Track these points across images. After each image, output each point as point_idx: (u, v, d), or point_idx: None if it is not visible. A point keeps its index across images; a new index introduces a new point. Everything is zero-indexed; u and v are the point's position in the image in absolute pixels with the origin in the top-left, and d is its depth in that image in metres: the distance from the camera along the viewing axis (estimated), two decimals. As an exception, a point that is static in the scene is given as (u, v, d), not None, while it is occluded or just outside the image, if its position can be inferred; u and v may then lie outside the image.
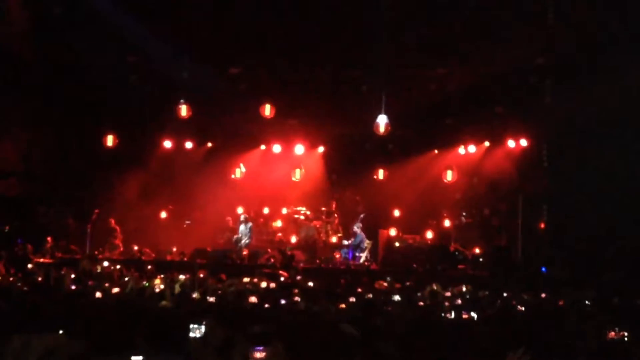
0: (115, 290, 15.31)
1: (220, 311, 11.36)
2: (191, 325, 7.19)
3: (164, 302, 12.90)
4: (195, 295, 14.43)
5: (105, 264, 22.24)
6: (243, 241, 27.76)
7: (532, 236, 25.96)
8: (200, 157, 30.39)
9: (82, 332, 7.75)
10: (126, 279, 18.56)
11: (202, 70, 25.93)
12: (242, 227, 28.06)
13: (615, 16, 21.17)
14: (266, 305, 12.87)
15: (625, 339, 7.72)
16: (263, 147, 30.64)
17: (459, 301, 14.80)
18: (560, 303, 15.34)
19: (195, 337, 7.16)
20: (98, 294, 13.95)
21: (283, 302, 13.43)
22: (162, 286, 15.90)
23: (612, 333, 7.80)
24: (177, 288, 15.77)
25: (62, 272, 19.45)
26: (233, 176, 29.61)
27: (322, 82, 26.62)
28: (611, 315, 10.78)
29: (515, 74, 24.54)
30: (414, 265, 25.32)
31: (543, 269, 24.12)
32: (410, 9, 22.89)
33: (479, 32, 23.08)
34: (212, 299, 13.57)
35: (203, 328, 7.18)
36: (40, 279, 17.78)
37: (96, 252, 26.10)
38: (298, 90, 26.78)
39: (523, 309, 14.58)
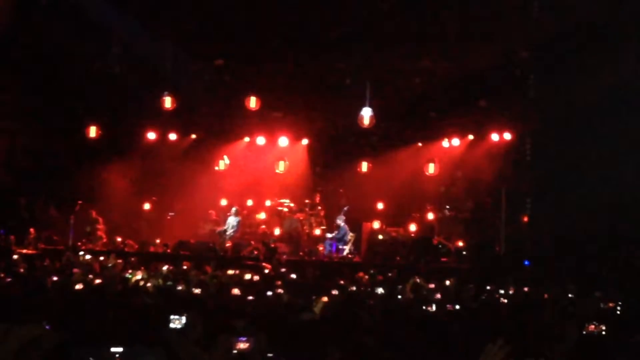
0: (98, 281, 15.30)
1: (203, 303, 11.35)
2: (171, 317, 7.19)
3: (146, 294, 12.89)
4: (179, 287, 14.43)
5: (88, 256, 22.18)
6: (228, 233, 27.72)
7: (515, 230, 26.03)
8: (184, 149, 30.37)
9: (63, 323, 7.74)
10: (109, 264, 18.59)
11: (187, 61, 25.92)
12: (231, 219, 28.02)
13: (598, 10, 21.22)
14: (250, 298, 12.85)
15: (604, 332, 7.76)
16: (247, 139, 30.65)
17: (439, 295, 14.81)
18: (543, 296, 15.41)
19: (175, 329, 7.16)
20: (79, 286, 13.91)
21: (267, 294, 13.44)
22: (140, 277, 15.93)
23: (592, 326, 7.84)
24: (159, 280, 15.77)
25: (45, 263, 19.44)
26: (217, 168, 29.59)
27: (306, 74, 26.63)
28: (592, 308, 10.87)
29: (499, 68, 24.56)
30: (398, 258, 25.38)
31: (526, 263, 24.22)
32: (394, 2, 22.88)
33: (463, 25, 23.09)
34: (197, 291, 13.57)
35: (184, 320, 7.18)
36: (22, 270, 17.74)
37: (79, 244, 26.08)
38: (282, 82, 26.78)
39: (505, 301, 14.64)
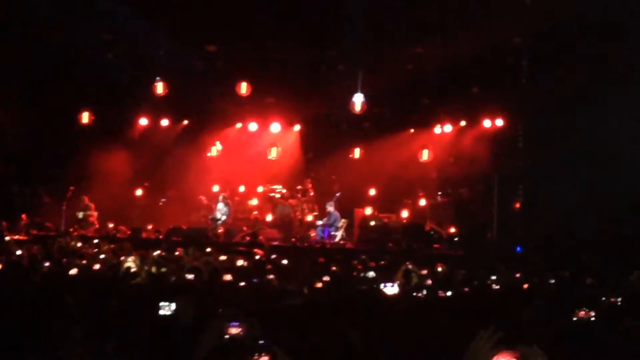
0: (96, 267, 15.26)
1: (195, 289, 11.35)
2: (161, 304, 7.18)
3: (138, 279, 12.89)
4: (172, 273, 14.41)
5: (80, 244, 22.12)
6: (219, 219, 27.68)
7: (507, 216, 26.05)
8: (176, 135, 30.39)
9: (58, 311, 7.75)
10: (101, 256, 18.54)
11: (179, 47, 25.86)
12: (220, 206, 27.99)
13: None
14: (241, 284, 12.85)
15: (593, 318, 7.79)
16: (239, 125, 30.66)
17: (429, 281, 14.82)
18: (535, 283, 15.43)
19: (165, 315, 7.16)
20: (73, 271, 13.90)
21: (257, 280, 13.42)
22: (132, 264, 15.90)
23: (582, 312, 7.87)
24: (153, 267, 15.74)
25: (36, 247, 19.40)
26: (209, 154, 29.64)
27: (298, 60, 26.61)
28: (583, 294, 10.90)
29: (492, 54, 24.53)
30: (390, 244, 25.37)
31: (518, 249, 24.25)
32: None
33: (456, 10, 23.07)
34: (190, 276, 13.55)
35: (173, 306, 7.17)
36: (15, 256, 17.70)
37: (71, 230, 26.05)
38: (275, 68, 26.76)
39: (497, 287, 14.65)
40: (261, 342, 4.91)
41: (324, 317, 7.89)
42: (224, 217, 27.76)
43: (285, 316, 8.10)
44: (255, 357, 4.81)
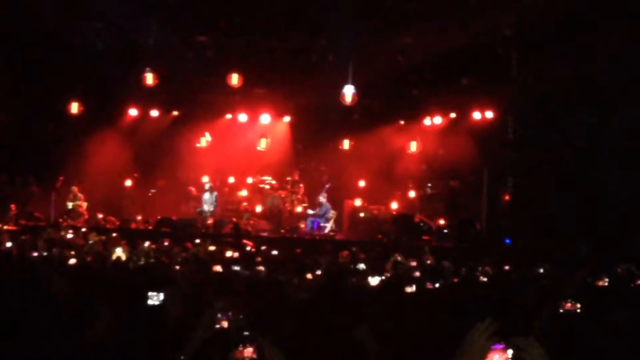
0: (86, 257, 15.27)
1: (185, 280, 11.36)
2: (149, 294, 7.18)
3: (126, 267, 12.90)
4: (156, 262, 14.42)
5: (70, 235, 22.07)
6: (207, 209, 27.62)
7: (496, 208, 26.11)
8: (166, 126, 30.36)
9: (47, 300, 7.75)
10: (90, 241, 18.54)
11: (169, 38, 25.80)
12: (206, 196, 27.93)
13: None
14: (230, 274, 12.85)
15: (579, 310, 7.84)
16: (229, 116, 30.63)
17: (417, 273, 14.84)
18: (523, 275, 15.46)
19: (153, 305, 7.16)
20: (72, 261, 13.91)
21: (246, 271, 13.43)
22: (121, 253, 15.91)
23: (568, 304, 7.91)
24: (142, 258, 15.74)
25: (23, 238, 19.39)
26: (198, 145, 29.59)
27: (288, 51, 26.54)
28: (571, 287, 10.93)
29: (482, 46, 24.50)
30: (379, 236, 25.40)
31: (507, 241, 24.29)
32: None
33: (447, 1, 23.05)
34: (178, 267, 13.57)
35: (162, 296, 7.17)
36: (6, 246, 17.70)
37: (60, 220, 26.02)
38: (265, 59, 26.69)
39: (486, 279, 14.68)
40: (246, 333, 4.93)
41: (326, 312, 7.90)
42: (211, 208, 27.70)
43: (273, 309, 8.11)
44: (240, 349, 4.83)
